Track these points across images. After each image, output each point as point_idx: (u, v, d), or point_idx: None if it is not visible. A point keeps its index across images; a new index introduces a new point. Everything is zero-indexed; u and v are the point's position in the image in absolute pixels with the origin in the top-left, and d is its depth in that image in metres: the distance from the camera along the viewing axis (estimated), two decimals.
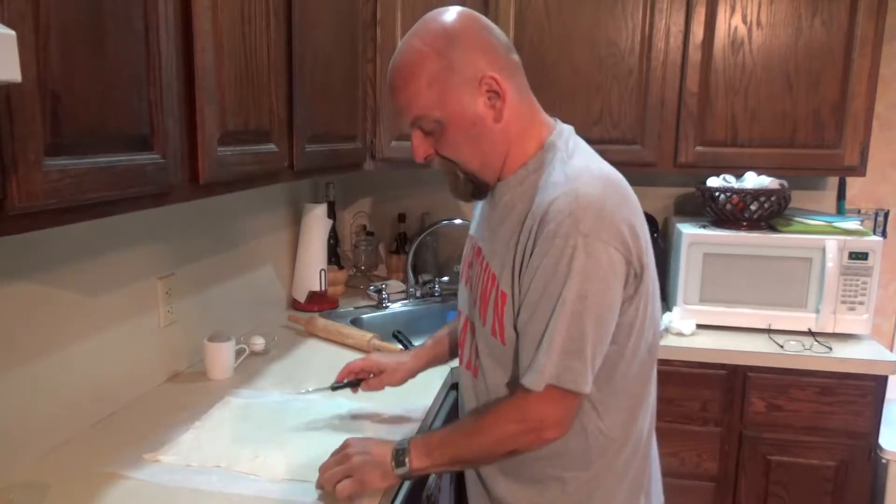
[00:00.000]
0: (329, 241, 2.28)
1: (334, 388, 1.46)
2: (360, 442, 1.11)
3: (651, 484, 1.17)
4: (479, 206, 1.19)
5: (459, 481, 1.36)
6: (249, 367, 1.69)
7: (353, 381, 1.43)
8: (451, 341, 1.37)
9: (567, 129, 1.10)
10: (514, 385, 1.04)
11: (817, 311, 1.97)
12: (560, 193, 0.96)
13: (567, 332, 0.95)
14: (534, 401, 0.99)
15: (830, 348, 1.89)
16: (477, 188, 1.08)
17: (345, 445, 1.11)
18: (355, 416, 1.43)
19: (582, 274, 0.93)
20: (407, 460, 1.05)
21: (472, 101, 1.00)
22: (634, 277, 0.99)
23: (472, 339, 1.14)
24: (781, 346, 1.91)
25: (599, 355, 0.99)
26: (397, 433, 1.35)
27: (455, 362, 1.29)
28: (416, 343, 1.56)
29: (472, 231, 1.21)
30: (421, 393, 1.52)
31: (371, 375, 1.38)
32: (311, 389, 1.51)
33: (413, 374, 1.39)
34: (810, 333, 1.97)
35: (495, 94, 1.01)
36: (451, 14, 1.01)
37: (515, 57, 1.05)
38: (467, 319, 1.16)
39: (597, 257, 0.93)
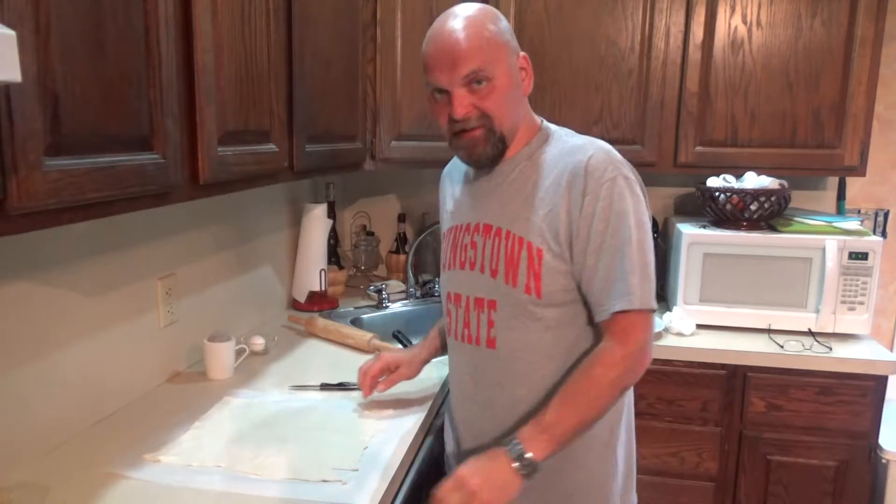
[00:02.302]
0: (329, 241, 2.28)
1: (323, 387, 1.51)
2: (473, 470, 1.06)
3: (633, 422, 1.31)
4: (450, 201, 1.32)
5: None
6: (249, 367, 1.69)
7: (340, 383, 1.53)
8: (443, 339, 1.42)
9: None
10: (538, 345, 1.15)
11: (817, 311, 1.97)
12: (592, 152, 1.12)
13: (639, 258, 1.09)
14: (632, 330, 1.09)
15: (830, 348, 1.90)
16: (498, 153, 1.18)
17: (461, 481, 1.05)
18: (356, 415, 1.42)
19: (635, 207, 1.11)
20: (530, 458, 1.05)
21: (516, 68, 1.15)
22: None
23: (485, 313, 1.19)
24: (781, 346, 1.91)
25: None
26: (402, 426, 1.37)
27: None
28: (416, 342, 1.58)
29: (455, 222, 1.28)
30: (420, 386, 1.54)
31: (383, 376, 1.44)
32: (297, 385, 1.55)
33: (425, 364, 1.48)
34: (810, 333, 1.98)
35: (525, 71, 1.17)
36: (484, 4, 1.16)
37: None
38: (478, 299, 1.20)
39: (638, 194, 1.13)
